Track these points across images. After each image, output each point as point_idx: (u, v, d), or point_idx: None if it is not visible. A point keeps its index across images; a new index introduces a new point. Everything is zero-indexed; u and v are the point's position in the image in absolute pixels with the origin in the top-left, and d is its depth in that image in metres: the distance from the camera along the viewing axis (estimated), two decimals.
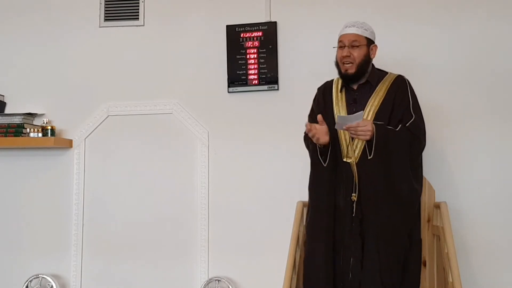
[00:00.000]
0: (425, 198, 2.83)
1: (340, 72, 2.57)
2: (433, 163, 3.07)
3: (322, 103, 2.63)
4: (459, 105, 3.14)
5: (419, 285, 2.53)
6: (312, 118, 2.59)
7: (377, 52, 2.60)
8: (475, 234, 3.04)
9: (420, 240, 2.57)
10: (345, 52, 2.51)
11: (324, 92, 2.67)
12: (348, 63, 2.51)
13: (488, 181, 3.08)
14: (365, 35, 2.54)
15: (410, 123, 2.45)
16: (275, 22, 3.37)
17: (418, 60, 3.18)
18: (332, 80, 2.69)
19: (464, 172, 3.10)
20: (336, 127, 2.41)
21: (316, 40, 3.31)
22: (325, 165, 2.49)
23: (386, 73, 2.62)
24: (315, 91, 2.76)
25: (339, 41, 2.57)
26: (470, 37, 3.17)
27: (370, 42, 2.56)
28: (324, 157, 2.49)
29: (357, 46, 2.51)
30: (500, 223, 3.04)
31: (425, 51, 3.20)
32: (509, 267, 3.02)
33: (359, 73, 2.53)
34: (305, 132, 2.59)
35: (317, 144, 2.46)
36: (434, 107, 3.07)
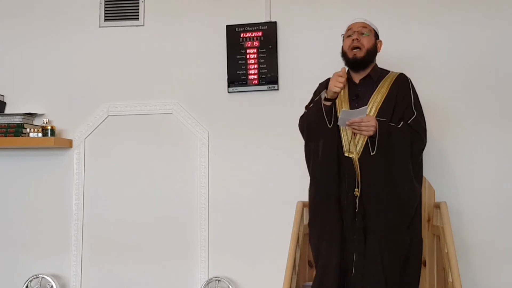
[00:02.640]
0: (425, 198, 2.83)
1: (347, 59, 2.57)
2: (433, 163, 3.07)
3: None
4: (460, 105, 3.14)
5: (418, 282, 2.52)
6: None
7: (381, 48, 2.64)
8: (475, 234, 3.04)
9: (421, 240, 2.57)
10: (355, 36, 2.54)
11: (327, 86, 2.67)
12: (357, 48, 2.53)
13: (488, 181, 3.08)
14: (373, 28, 2.61)
15: (411, 120, 2.46)
16: (275, 22, 3.37)
17: (419, 60, 3.18)
18: None
19: (464, 172, 3.10)
20: (339, 123, 2.41)
21: (316, 40, 3.31)
22: (330, 126, 2.46)
23: (388, 71, 2.64)
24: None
25: (348, 30, 2.60)
26: (471, 36, 3.17)
27: (376, 36, 2.62)
28: (329, 117, 2.47)
29: (367, 35, 2.55)
30: (500, 223, 3.04)
31: (426, 51, 3.20)
32: (509, 267, 3.02)
33: (367, 59, 2.54)
34: (304, 112, 2.64)
35: (325, 100, 2.45)
36: (435, 106, 3.07)
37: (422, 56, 3.19)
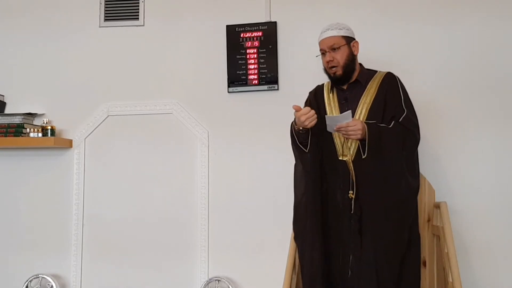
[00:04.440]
0: (425, 198, 2.83)
1: (329, 77, 2.60)
2: (433, 163, 3.07)
3: (314, 104, 2.63)
4: (460, 105, 3.14)
5: (419, 281, 2.52)
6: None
7: (359, 47, 2.60)
8: (475, 234, 3.04)
9: (419, 236, 2.55)
10: (327, 57, 2.54)
11: (316, 94, 2.70)
12: (334, 67, 2.53)
13: (488, 181, 3.08)
14: (342, 35, 2.54)
15: (402, 118, 2.46)
16: (275, 22, 3.37)
17: (417, 60, 3.18)
18: (323, 84, 2.71)
19: (464, 172, 3.10)
20: (327, 129, 2.44)
21: (316, 40, 3.29)
22: (306, 150, 2.49)
23: (376, 71, 2.63)
24: None
25: (320, 49, 2.59)
26: (469, 36, 3.16)
27: (349, 40, 2.56)
28: (305, 143, 2.49)
29: (338, 48, 2.52)
30: (500, 223, 3.04)
31: (424, 51, 3.19)
32: (509, 267, 3.02)
33: (347, 73, 2.54)
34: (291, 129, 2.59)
35: (296, 129, 2.47)
36: (435, 107, 3.07)
37: (422, 56, 3.19)
